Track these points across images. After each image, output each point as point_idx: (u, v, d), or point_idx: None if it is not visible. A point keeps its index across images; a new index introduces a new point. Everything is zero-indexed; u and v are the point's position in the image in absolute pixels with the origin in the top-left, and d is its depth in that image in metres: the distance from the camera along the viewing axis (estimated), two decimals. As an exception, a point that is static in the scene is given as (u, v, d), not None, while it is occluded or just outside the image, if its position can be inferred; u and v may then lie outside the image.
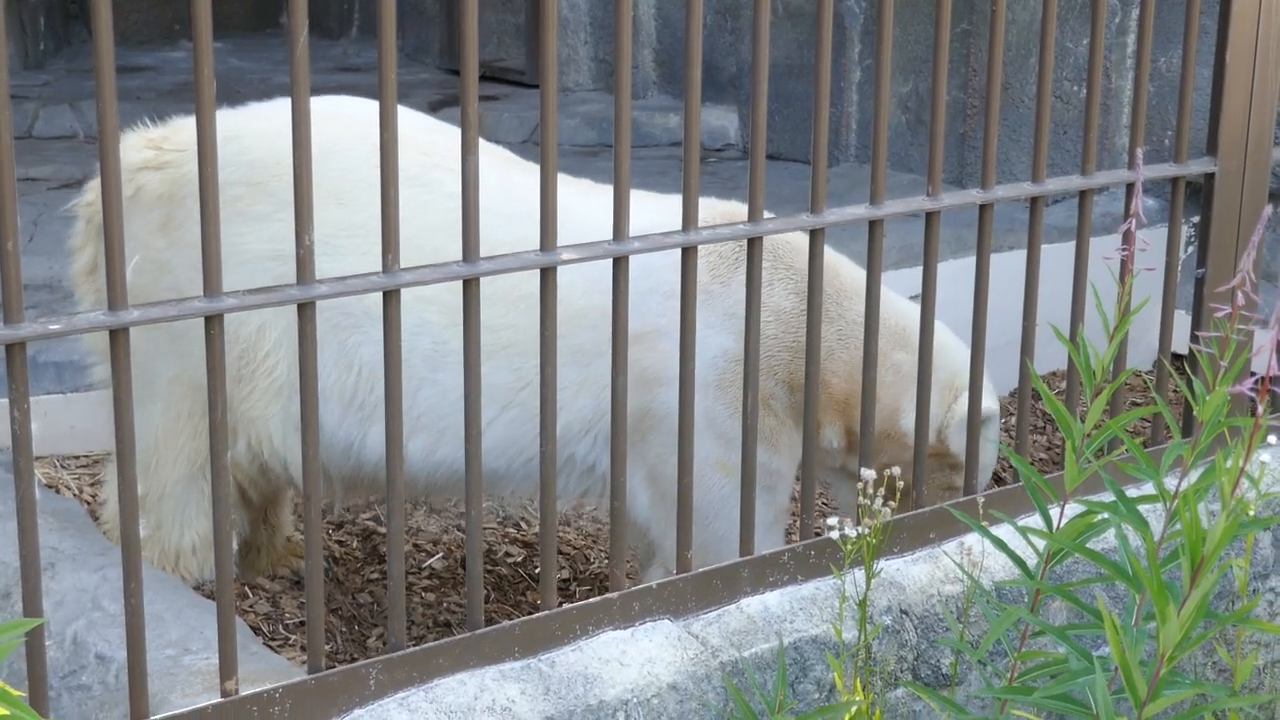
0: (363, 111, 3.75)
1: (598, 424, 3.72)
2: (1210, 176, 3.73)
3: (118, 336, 2.51)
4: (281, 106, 3.74)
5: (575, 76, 8.60)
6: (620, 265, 2.98)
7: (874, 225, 3.25)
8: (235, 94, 8.55)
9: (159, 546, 3.90)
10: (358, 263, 3.49)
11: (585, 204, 3.69)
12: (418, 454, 3.76)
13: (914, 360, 3.64)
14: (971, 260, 3.50)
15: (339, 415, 3.74)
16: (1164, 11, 5.78)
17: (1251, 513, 2.92)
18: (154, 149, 3.83)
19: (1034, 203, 3.46)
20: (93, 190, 3.87)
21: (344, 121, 3.75)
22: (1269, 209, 2.62)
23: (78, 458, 4.81)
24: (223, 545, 2.68)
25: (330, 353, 3.67)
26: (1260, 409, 2.23)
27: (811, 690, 3.17)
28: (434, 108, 8.28)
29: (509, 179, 3.68)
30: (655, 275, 3.57)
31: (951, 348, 3.86)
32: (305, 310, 2.70)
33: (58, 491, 4.51)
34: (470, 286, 2.83)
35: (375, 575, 4.66)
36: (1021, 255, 3.59)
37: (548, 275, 2.90)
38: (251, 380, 3.72)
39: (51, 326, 2.46)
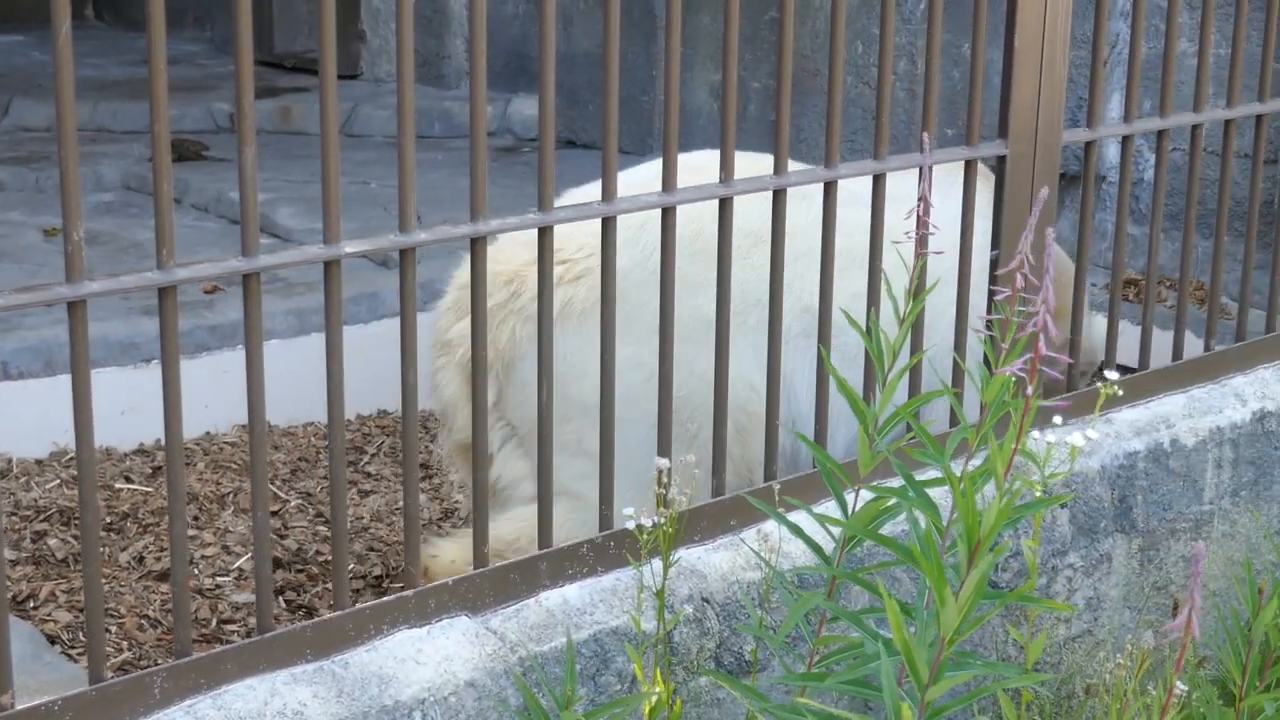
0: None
1: None
2: (1002, 159, 3.76)
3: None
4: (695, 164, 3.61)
5: (388, 67, 8.50)
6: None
7: (666, 212, 3.24)
8: (36, 87, 8.36)
9: None
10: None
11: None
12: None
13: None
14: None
15: None
16: (965, -4, 5.86)
17: (1039, 492, 2.96)
18: (560, 263, 3.70)
19: (827, 188, 3.47)
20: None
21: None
22: (1046, 191, 2.63)
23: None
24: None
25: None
26: (1029, 389, 2.24)
27: (613, 682, 3.15)
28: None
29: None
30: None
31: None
32: (75, 310, 2.61)
33: None
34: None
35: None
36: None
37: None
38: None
39: None
